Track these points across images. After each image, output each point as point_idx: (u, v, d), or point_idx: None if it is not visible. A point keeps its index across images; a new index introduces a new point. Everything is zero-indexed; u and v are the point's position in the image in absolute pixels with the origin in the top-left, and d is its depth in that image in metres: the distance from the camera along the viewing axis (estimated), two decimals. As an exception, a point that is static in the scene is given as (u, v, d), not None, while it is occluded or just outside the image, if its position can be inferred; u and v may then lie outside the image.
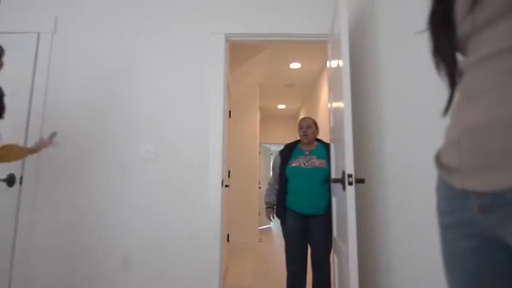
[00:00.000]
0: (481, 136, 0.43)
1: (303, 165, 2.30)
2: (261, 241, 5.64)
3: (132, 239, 2.26)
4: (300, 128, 2.42)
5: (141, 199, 2.30)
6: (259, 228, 7.45)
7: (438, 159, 0.55)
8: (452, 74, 0.53)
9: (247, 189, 5.28)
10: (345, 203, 1.59)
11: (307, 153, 2.36)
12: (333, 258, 2.17)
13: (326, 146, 2.40)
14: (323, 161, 2.29)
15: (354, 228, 1.53)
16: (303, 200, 2.25)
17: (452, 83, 0.54)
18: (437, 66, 0.56)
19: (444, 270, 0.54)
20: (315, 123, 2.44)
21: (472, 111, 0.45)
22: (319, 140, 2.46)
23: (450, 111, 0.54)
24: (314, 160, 2.30)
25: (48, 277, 2.22)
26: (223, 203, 2.35)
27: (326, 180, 2.26)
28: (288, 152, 2.42)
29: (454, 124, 0.50)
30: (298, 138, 2.48)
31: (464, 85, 0.49)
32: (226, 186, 3.32)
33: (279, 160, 2.45)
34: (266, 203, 2.51)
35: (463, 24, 0.48)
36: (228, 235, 4.13)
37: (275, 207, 2.45)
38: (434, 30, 0.55)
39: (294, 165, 2.33)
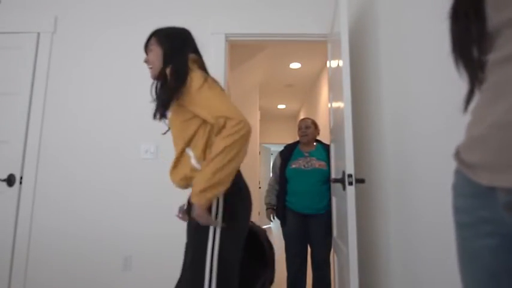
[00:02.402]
0: (509, 132, 0.42)
1: (302, 167, 2.30)
2: (261, 241, 5.62)
3: (132, 239, 2.26)
4: (299, 128, 2.42)
5: (141, 199, 2.30)
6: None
7: (458, 156, 0.54)
8: (474, 70, 0.52)
9: (247, 189, 5.27)
10: (345, 203, 1.59)
11: (306, 154, 2.36)
12: (333, 258, 2.17)
13: (326, 147, 2.40)
14: (323, 163, 2.29)
15: (354, 228, 1.52)
16: (303, 201, 2.25)
17: (473, 79, 0.52)
18: (457, 62, 0.54)
19: (460, 270, 0.53)
20: (315, 124, 2.44)
21: (500, 107, 0.44)
22: (318, 141, 2.46)
23: (471, 108, 0.52)
24: (314, 161, 2.30)
25: (48, 277, 2.22)
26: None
27: (326, 181, 2.26)
28: (288, 153, 2.42)
29: (478, 121, 0.49)
30: (298, 139, 2.48)
31: (491, 81, 0.48)
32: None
33: (279, 161, 2.45)
34: (266, 204, 2.51)
35: (494, 16, 0.46)
36: (228, 235, 4.12)
37: (275, 208, 2.45)
38: (458, 23, 0.53)
39: (293, 166, 2.33)
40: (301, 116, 7.29)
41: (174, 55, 1.25)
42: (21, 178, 2.30)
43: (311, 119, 2.46)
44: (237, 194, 1.15)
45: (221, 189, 1.06)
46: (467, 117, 0.99)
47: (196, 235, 1.11)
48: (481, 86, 0.50)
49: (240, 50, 4.08)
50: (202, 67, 1.34)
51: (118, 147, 2.35)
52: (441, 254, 1.13)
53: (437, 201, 1.16)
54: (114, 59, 2.46)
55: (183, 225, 2.26)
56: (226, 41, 2.49)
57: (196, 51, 1.35)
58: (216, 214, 1.11)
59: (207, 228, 1.09)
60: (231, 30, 2.46)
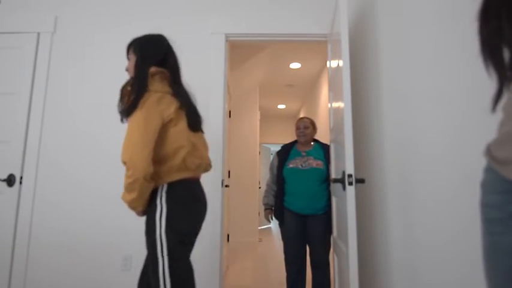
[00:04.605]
0: None
1: (300, 166, 2.29)
2: (261, 241, 5.63)
3: (132, 239, 2.26)
4: (297, 128, 2.41)
5: (141, 199, 2.29)
6: (259, 228, 7.45)
7: (489, 153, 0.54)
8: (504, 70, 0.52)
9: (247, 189, 5.28)
10: (345, 203, 1.59)
11: (304, 154, 2.35)
12: (333, 258, 2.17)
13: (323, 147, 2.39)
14: (320, 162, 2.28)
15: (354, 228, 1.52)
16: (301, 201, 2.24)
17: (502, 79, 0.53)
18: (486, 62, 0.54)
19: (486, 266, 0.53)
20: (313, 124, 2.43)
21: None
22: (316, 141, 2.45)
23: (502, 106, 0.52)
24: (311, 161, 2.29)
25: (48, 277, 2.22)
26: (223, 203, 2.35)
27: (324, 181, 2.25)
28: (285, 153, 2.41)
29: (511, 118, 0.50)
30: (296, 139, 2.48)
31: None
32: (226, 186, 3.32)
33: (276, 161, 2.45)
34: (264, 204, 2.50)
35: None
36: (228, 235, 4.13)
37: (273, 208, 2.44)
38: (488, 23, 0.52)
39: (291, 166, 2.32)
40: (301, 116, 7.29)
41: (138, 68, 1.37)
42: (21, 178, 2.30)
43: (309, 118, 2.45)
44: (177, 203, 1.32)
45: (137, 210, 1.33)
46: (468, 116, 0.99)
47: (148, 239, 1.30)
48: (510, 84, 0.51)
49: (240, 50, 4.08)
50: (167, 77, 1.42)
51: (118, 147, 2.35)
52: (441, 253, 1.13)
53: (437, 200, 1.16)
54: (113, 59, 2.46)
55: (183, 225, 2.27)
56: (226, 41, 2.49)
57: (164, 60, 1.44)
58: (160, 219, 1.29)
59: (153, 232, 1.29)
60: (231, 30, 2.46)
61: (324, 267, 2.20)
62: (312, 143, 2.42)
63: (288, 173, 2.31)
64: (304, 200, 2.24)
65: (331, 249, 2.26)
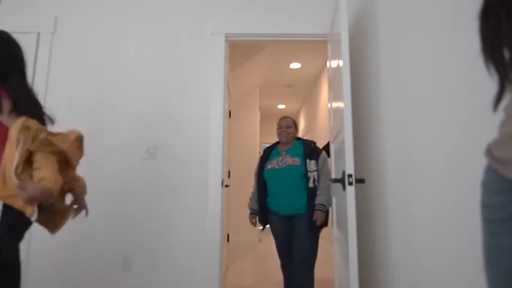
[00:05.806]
0: None
1: (276, 166, 2.25)
2: (261, 241, 5.64)
3: (132, 239, 2.26)
4: (279, 127, 2.36)
5: (141, 199, 2.30)
6: (259, 228, 7.44)
7: (490, 153, 0.54)
8: (505, 70, 0.51)
9: (247, 189, 5.27)
10: (345, 203, 1.59)
11: (282, 153, 2.31)
12: (333, 258, 2.17)
13: (304, 143, 2.33)
14: (296, 159, 2.23)
15: (354, 228, 1.52)
16: (282, 200, 2.21)
17: (503, 79, 0.53)
18: (487, 62, 0.54)
19: (486, 266, 0.53)
20: (295, 124, 2.40)
21: None
22: (298, 139, 2.42)
23: (503, 106, 0.52)
24: (288, 159, 2.25)
25: (48, 277, 2.22)
26: (223, 203, 2.35)
27: (301, 177, 2.19)
28: (266, 154, 2.39)
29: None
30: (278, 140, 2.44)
31: None
32: (226, 186, 3.32)
33: (258, 164, 2.42)
34: (249, 209, 2.44)
35: None
36: (228, 235, 4.13)
37: (258, 212, 2.40)
38: (488, 23, 0.52)
39: (269, 167, 2.28)
40: (302, 116, 7.30)
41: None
42: (21, 178, 2.29)
43: (292, 118, 2.42)
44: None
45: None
46: (467, 116, 0.99)
47: None
48: (511, 85, 0.51)
49: (240, 50, 4.07)
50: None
51: (118, 147, 2.35)
52: (440, 253, 1.13)
53: (437, 200, 1.16)
54: (113, 58, 2.46)
55: (182, 225, 2.27)
56: (226, 41, 2.49)
57: (12, 55, 1.44)
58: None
59: None
60: (231, 30, 2.46)
61: (304, 266, 2.10)
62: (294, 141, 2.38)
63: (267, 174, 2.28)
64: (284, 199, 2.20)
65: (332, 249, 2.25)
